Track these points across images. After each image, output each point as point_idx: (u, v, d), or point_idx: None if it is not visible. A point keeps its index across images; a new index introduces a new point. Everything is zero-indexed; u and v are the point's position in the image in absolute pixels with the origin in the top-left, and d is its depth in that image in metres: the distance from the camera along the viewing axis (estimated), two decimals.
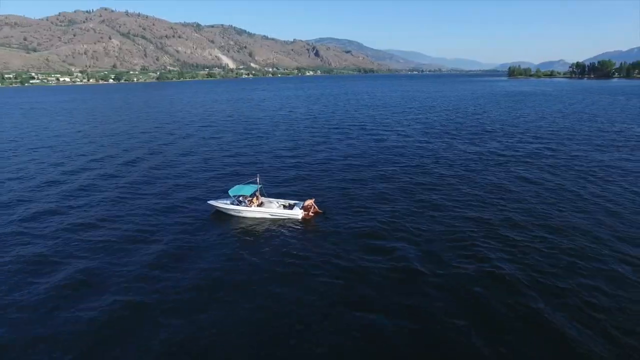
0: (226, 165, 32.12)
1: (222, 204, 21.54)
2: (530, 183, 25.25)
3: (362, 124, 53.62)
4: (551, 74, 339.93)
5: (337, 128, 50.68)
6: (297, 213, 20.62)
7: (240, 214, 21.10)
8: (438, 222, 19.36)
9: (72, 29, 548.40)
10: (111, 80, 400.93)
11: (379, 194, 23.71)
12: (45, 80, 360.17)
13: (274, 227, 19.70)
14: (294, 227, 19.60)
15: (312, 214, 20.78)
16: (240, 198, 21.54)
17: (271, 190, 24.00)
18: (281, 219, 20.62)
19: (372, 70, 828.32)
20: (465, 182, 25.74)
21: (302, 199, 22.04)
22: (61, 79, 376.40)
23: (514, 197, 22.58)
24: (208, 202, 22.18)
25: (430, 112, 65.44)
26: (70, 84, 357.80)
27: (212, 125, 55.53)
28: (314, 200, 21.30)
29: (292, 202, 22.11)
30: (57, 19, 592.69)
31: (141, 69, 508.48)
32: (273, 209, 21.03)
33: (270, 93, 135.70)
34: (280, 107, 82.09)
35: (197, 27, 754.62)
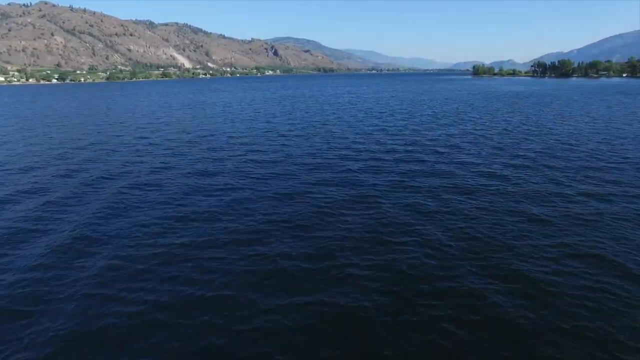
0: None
1: None
2: None
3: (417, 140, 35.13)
4: (514, 73, 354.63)
5: (370, 154, 29.90)
6: None
7: None
8: None
9: (7, 24, 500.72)
10: (54, 80, 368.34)
11: None
12: None
13: None
14: None
15: None
16: None
17: None
18: None
19: (331, 70, 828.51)
20: None
21: None
22: None
23: None
24: None
25: (472, 125, 46.12)
26: (5, 83, 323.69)
27: (163, 155, 31.95)
28: None
29: None
30: None
31: (89, 69, 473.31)
32: None
33: (234, 95, 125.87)
34: (258, 116, 61.71)
35: (150, 25, 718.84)
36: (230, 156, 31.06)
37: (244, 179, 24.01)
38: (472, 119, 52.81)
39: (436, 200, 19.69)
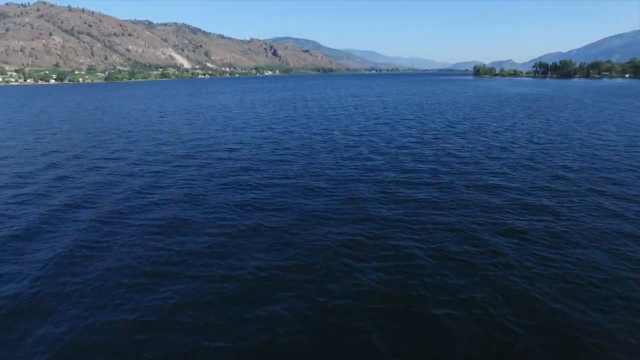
0: None
1: None
2: None
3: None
4: (515, 74, 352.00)
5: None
6: None
7: None
8: None
9: (5, 24, 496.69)
10: (53, 81, 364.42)
11: None
12: None
13: None
14: None
15: None
16: None
17: None
18: None
19: (330, 70, 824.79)
20: None
21: None
22: None
23: None
24: None
25: (492, 134, 41.94)
26: (3, 84, 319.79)
27: (153, 173, 27.88)
28: None
29: None
30: None
31: (88, 69, 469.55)
32: None
33: (233, 98, 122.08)
34: (259, 123, 56.71)
35: (149, 25, 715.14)
36: (229, 175, 27.25)
37: (244, 211, 20.20)
38: (489, 126, 48.97)
39: (481, 245, 15.90)
